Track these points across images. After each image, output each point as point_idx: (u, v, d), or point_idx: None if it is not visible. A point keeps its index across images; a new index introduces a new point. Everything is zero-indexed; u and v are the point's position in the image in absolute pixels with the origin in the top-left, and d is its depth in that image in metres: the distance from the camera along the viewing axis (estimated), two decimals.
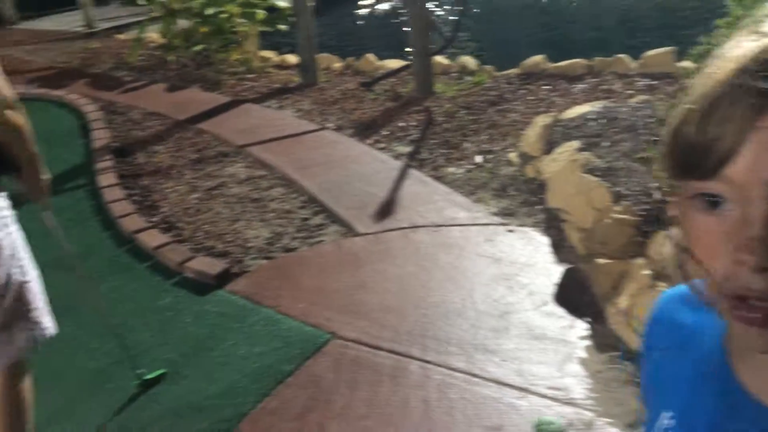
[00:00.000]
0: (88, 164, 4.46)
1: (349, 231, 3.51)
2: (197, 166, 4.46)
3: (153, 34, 7.90)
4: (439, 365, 2.44)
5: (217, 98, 5.86)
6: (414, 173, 4.12)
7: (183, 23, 7.05)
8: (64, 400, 2.36)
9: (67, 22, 9.98)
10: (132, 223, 3.58)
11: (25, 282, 1.77)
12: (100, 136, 4.90)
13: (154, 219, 3.74)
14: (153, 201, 3.98)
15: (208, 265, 3.15)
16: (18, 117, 1.67)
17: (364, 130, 4.90)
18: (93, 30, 9.21)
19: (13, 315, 1.74)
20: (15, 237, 1.75)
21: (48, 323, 1.85)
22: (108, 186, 4.03)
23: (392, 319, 2.74)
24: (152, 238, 3.42)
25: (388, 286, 3.00)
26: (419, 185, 3.96)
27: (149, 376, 2.43)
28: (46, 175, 1.86)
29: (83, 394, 2.43)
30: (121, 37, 8.99)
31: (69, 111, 5.65)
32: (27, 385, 1.83)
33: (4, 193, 1.73)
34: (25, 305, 1.77)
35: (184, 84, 6.35)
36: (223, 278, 3.09)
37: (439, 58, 6.05)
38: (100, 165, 4.36)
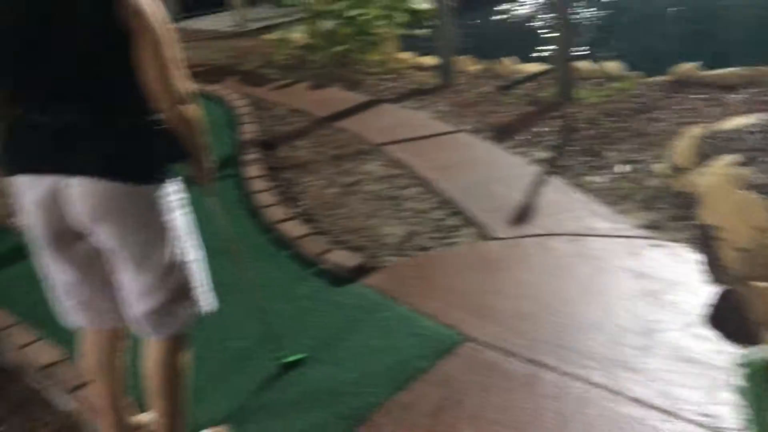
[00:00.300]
0: (236, 155, 4.71)
1: (485, 234, 3.48)
2: (336, 162, 4.59)
3: (297, 35, 8.23)
4: (577, 378, 2.37)
5: (356, 97, 6.01)
6: (552, 180, 4.02)
7: (326, 24, 7.30)
8: (209, 375, 2.50)
9: (221, 22, 10.61)
10: (275, 213, 3.75)
11: (191, 261, 1.90)
12: (248, 130, 5.17)
13: (295, 210, 3.89)
14: (294, 193, 4.14)
15: (345, 258, 3.24)
16: (193, 110, 1.78)
17: (501, 134, 4.84)
18: (243, 30, 9.73)
19: (178, 291, 1.86)
20: (185, 219, 1.88)
21: (207, 301, 1.97)
22: (254, 177, 4.24)
23: (526, 326, 2.69)
24: (293, 229, 3.56)
25: (523, 292, 2.95)
26: (558, 192, 3.87)
27: (289, 359, 2.53)
28: (211, 164, 1.97)
29: (227, 370, 2.56)
30: (268, 37, 9.42)
31: (221, 105, 6.00)
32: (186, 356, 1.96)
33: (178, 179, 1.86)
34: (189, 283, 1.89)
35: (325, 83, 6.56)
36: (359, 272, 3.16)
37: (582, 63, 5.87)
38: (248, 157, 4.59)
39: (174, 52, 1.71)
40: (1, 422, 2.39)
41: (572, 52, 5.38)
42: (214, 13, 11.44)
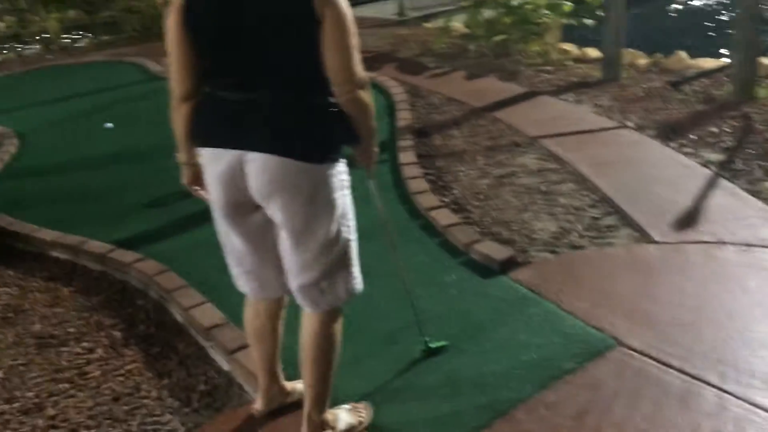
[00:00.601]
0: (391, 141, 4.80)
1: (643, 237, 3.31)
2: (489, 153, 4.54)
3: (457, 24, 8.21)
4: (739, 398, 2.19)
5: (513, 88, 5.91)
6: (724, 184, 3.74)
7: (488, 13, 7.21)
8: (354, 353, 2.57)
9: (383, 10, 10.81)
10: (426, 200, 3.78)
11: (350, 240, 1.97)
12: (404, 117, 5.24)
13: (446, 199, 3.90)
14: (446, 182, 4.15)
15: (494, 250, 3.20)
16: (367, 96, 1.85)
17: (669, 133, 4.56)
18: (404, 18, 9.87)
19: (337, 266, 1.94)
20: (348, 199, 1.95)
21: (360, 279, 2.03)
22: (407, 163, 4.30)
23: (685, 337, 2.53)
24: (443, 217, 3.58)
25: (683, 301, 2.77)
26: (729, 197, 3.59)
27: (433, 345, 2.56)
28: (376, 148, 2.03)
29: (372, 350, 2.63)
30: (428, 25, 9.48)
31: (379, 91, 6.13)
32: (339, 329, 2.04)
33: (344, 160, 1.93)
34: (347, 261, 1.97)
35: (482, 73, 6.50)
36: (507, 265, 3.12)
37: (766, 60, 5.38)
38: (402, 143, 4.66)
39: (355, 39, 1.78)
40: (169, 374, 2.62)
41: (758, 46, 4.93)
42: (378, 1, 11.68)
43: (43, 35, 11.07)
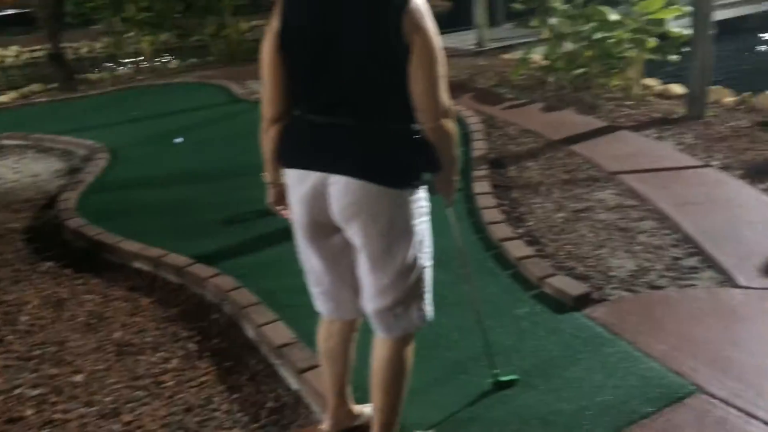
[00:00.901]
0: (466, 170, 4.79)
1: (727, 280, 3.17)
2: (566, 186, 4.47)
3: (536, 56, 8.17)
4: None
5: (591, 122, 5.82)
6: None
7: (568, 46, 7.15)
8: (423, 381, 2.55)
9: (461, 40, 10.88)
10: (500, 231, 3.74)
11: (426, 267, 1.97)
12: (479, 147, 5.24)
13: (520, 231, 3.85)
14: (520, 213, 4.11)
15: (568, 285, 3.14)
16: (451, 125, 1.87)
17: (757, 174, 4.38)
18: (482, 49, 9.89)
19: (412, 293, 1.95)
20: (426, 226, 1.97)
21: (432, 307, 2.03)
22: (482, 193, 4.28)
23: None
24: (517, 249, 3.53)
25: None
26: None
27: (503, 378, 2.51)
28: (457, 177, 2.04)
29: (441, 379, 2.61)
30: (506, 56, 9.48)
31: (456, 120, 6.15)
32: (410, 355, 2.04)
33: (425, 187, 1.95)
34: (422, 287, 1.98)
35: (560, 105, 6.44)
36: (582, 301, 3.05)
37: None
38: (477, 173, 4.65)
39: (443, 68, 1.80)
40: (240, 389, 2.67)
41: None
42: (458, 31, 11.78)
43: (136, 56, 11.65)
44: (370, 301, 1.97)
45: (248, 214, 4.25)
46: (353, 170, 1.81)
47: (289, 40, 1.83)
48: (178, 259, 3.70)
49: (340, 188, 1.83)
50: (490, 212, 4.00)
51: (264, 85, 1.94)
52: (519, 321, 2.97)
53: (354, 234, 1.89)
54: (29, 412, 2.62)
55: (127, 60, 11.83)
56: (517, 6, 7.31)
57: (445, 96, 1.82)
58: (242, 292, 3.26)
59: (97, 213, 4.59)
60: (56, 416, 2.58)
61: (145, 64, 11.49)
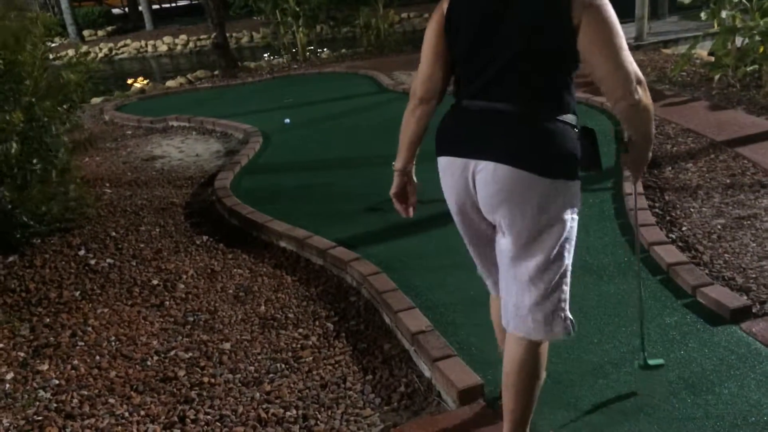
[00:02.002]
0: (617, 169, 4.58)
1: None
2: (728, 191, 4.14)
3: (701, 51, 7.64)
4: None
5: (762, 123, 5.35)
6: None
7: (738, 42, 6.61)
8: (559, 384, 2.48)
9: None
10: (650, 234, 3.53)
11: (568, 265, 1.88)
12: None
13: (673, 235, 3.62)
14: (674, 217, 3.86)
15: (725, 297, 2.90)
16: (646, 95, 1.76)
17: None
18: (641, 42, 9.37)
19: (550, 293, 1.85)
20: (575, 223, 1.89)
21: (572, 318, 1.92)
22: (632, 194, 4.06)
23: None
24: (668, 254, 3.32)
25: None
26: None
27: (651, 362, 2.46)
28: (650, 155, 1.94)
29: (576, 382, 2.51)
30: (667, 51, 8.95)
31: (606, 117, 5.89)
32: (545, 354, 1.96)
33: (580, 181, 1.86)
34: (563, 285, 1.88)
35: (726, 104, 5.98)
36: (740, 314, 2.81)
37: None
38: (628, 172, 4.41)
39: (623, 40, 1.70)
40: (373, 371, 2.72)
41: None
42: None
43: (291, 47, 12.18)
44: (511, 299, 1.91)
45: (387, 202, 4.28)
46: (507, 157, 1.76)
47: (454, 21, 1.83)
48: (321, 241, 3.83)
49: (490, 174, 1.79)
50: (641, 214, 3.78)
51: (421, 64, 1.95)
52: (668, 330, 2.79)
53: (501, 222, 1.84)
54: (181, 373, 2.82)
55: (283, 50, 12.40)
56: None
57: (634, 66, 1.71)
58: (381, 277, 3.32)
59: (249, 193, 4.85)
60: (205, 379, 2.76)
61: (300, 54, 11.98)
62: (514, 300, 1.91)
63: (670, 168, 4.62)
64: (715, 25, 7.05)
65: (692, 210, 3.94)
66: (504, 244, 1.88)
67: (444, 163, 1.93)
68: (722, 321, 2.80)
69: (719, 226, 3.70)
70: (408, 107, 2.02)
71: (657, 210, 3.96)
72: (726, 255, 3.39)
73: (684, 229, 3.71)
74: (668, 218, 3.85)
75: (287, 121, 6.94)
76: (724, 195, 4.09)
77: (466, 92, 1.87)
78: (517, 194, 1.77)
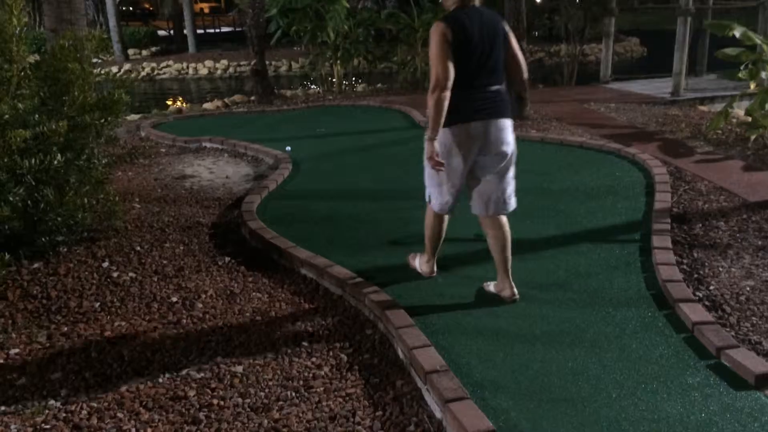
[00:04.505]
0: (645, 222, 4.52)
1: None
2: (760, 253, 4.06)
3: (738, 110, 7.58)
4: None
5: None
6: None
7: None
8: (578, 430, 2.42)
9: (654, 87, 10.38)
10: (677, 290, 3.46)
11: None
12: (663, 199, 4.91)
13: (700, 293, 3.55)
14: (702, 275, 3.79)
15: (751, 360, 2.82)
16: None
17: None
18: (677, 98, 9.34)
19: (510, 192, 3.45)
20: None
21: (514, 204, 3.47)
22: (661, 248, 3.99)
23: None
24: (694, 312, 3.24)
25: None
26: None
27: None
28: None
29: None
30: (703, 108, 8.90)
31: (638, 169, 5.85)
32: (507, 226, 3.47)
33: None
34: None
35: (761, 165, 5.90)
36: (765, 381, 2.72)
37: None
38: (657, 226, 4.36)
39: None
40: (384, 407, 2.68)
41: None
42: (650, 77, 11.26)
43: (328, 78, 12.36)
44: (493, 195, 3.42)
45: (410, 237, 4.30)
46: (506, 114, 3.34)
47: (463, 42, 3.17)
48: (341, 271, 3.81)
49: (502, 126, 3.32)
50: (668, 269, 3.72)
51: (444, 68, 3.14)
52: (689, 391, 2.71)
53: (502, 150, 3.35)
54: (191, 393, 2.81)
55: (319, 80, 12.58)
56: (725, 53, 6.77)
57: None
58: (398, 312, 3.29)
59: (275, 218, 4.88)
60: (214, 401, 2.74)
61: (336, 86, 12.14)
62: (496, 195, 3.40)
63: (700, 225, 4.55)
64: (752, 86, 7.00)
65: (721, 269, 3.86)
66: (494, 164, 3.37)
67: (468, 126, 3.26)
68: (746, 386, 2.72)
69: (748, 288, 3.62)
70: (436, 98, 3.14)
71: (685, 267, 3.89)
72: (754, 318, 3.31)
73: (711, 288, 3.64)
74: (696, 276, 3.78)
75: (288, 149, 7.02)
76: (755, 257, 4.01)
77: (479, 83, 3.26)
78: (511, 134, 3.38)
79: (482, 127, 3.25)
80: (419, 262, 3.85)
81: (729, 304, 3.46)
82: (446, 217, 3.59)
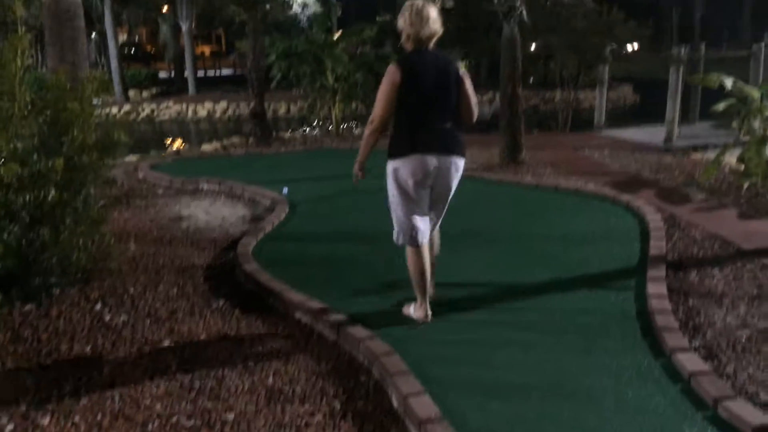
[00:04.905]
0: (640, 268, 4.53)
1: None
2: (755, 302, 4.05)
3: (730, 158, 7.65)
4: None
5: None
6: None
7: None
8: None
9: (648, 134, 10.50)
10: (673, 339, 3.45)
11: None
12: (657, 246, 4.92)
13: (696, 342, 3.53)
14: (697, 324, 3.77)
15: (748, 412, 2.79)
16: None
17: None
18: (670, 146, 9.45)
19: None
20: None
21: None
22: (656, 295, 3.99)
23: None
24: (690, 362, 3.22)
25: None
26: None
27: None
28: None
29: None
30: (696, 155, 8.98)
31: (633, 215, 5.88)
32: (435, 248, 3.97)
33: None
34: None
35: (754, 213, 5.93)
36: None
37: None
38: (652, 273, 4.36)
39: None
40: None
41: None
42: (644, 125, 11.40)
43: (326, 121, 12.48)
44: (438, 221, 3.87)
45: (409, 280, 4.28)
46: (457, 151, 3.64)
47: (411, 84, 3.52)
48: (336, 315, 3.80)
49: (451, 162, 3.62)
50: (663, 317, 3.71)
51: (381, 109, 3.57)
52: None
53: (448, 185, 3.68)
54: None
55: (317, 123, 12.70)
56: (717, 108, 6.89)
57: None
58: (393, 358, 3.26)
59: (270, 260, 4.86)
60: None
61: (334, 129, 12.25)
62: (434, 223, 3.82)
63: (695, 272, 4.56)
64: (741, 135, 7.08)
65: (716, 318, 3.85)
66: (439, 198, 3.73)
67: (418, 157, 3.55)
68: None
69: (744, 337, 3.60)
70: (369, 131, 3.66)
71: (680, 314, 3.88)
72: (751, 368, 3.29)
73: (707, 336, 3.62)
74: (691, 324, 3.77)
75: (285, 191, 7.05)
76: (750, 305, 4.01)
77: (431, 119, 3.58)
78: (457, 171, 3.69)
79: (432, 161, 3.55)
80: (413, 309, 3.84)
81: (725, 353, 3.44)
82: (425, 254, 3.73)
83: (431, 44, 3.62)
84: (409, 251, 3.73)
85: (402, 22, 3.59)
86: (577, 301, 4.06)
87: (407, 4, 3.60)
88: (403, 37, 3.63)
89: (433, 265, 3.84)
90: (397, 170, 3.61)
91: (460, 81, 3.58)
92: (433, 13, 3.58)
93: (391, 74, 3.50)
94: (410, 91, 3.51)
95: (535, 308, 3.98)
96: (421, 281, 3.74)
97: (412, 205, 3.65)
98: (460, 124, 3.65)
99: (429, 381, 3.10)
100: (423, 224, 3.69)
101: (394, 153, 3.63)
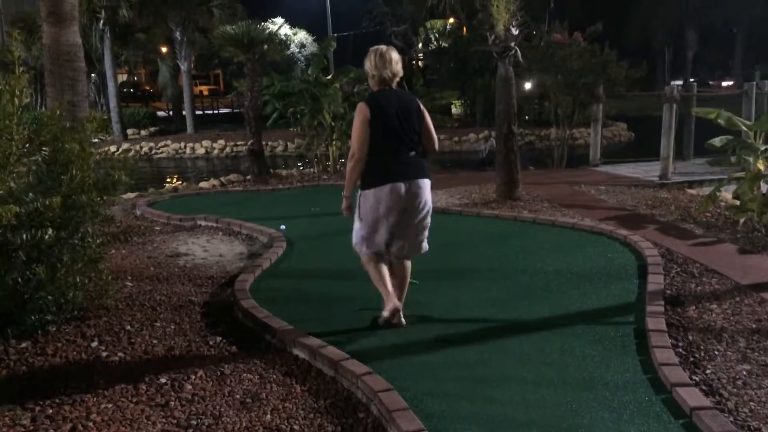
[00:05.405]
0: (639, 304, 4.52)
1: None
2: (754, 336, 4.04)
3: (726, 194, 7.71)
4: None
5: None
6: None
7: (764, 188, 6.68)
8: None
9: (643, 170, 10.59)
10: (673, 374, 3.43)
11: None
12: (655, 281, 4.93)
13: (697, 377, 3.51)
14: (697, 359, 3.76)
15: None
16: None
17: None
18: (665, 182, 9.52)
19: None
20: None
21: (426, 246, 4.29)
22: (655, 331, 3.97)
23: None
24: (692, 397, 3.20)
25: None
26: None
27: None
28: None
29: None
30: (692, 191, 9.05)
31: (630, 251, 5.89)
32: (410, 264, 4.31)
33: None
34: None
35: (752, 249, 5.95)
36: None
37: None
38: (651, 308, 4.35)
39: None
40: None
41: None
42: (639, 161, 11.49)
43: (323, 158, 12.55)
44: (409, 241, 4.20)
45: (408, 317, 4.27)
46: (423, 175, 4.09)
47: (379, 118, 3.96)
48: (334, 351, 3.77)
49: (420, 186, 4.06)
50: (663, 352, 3.69)
51: (360, 143, 4.00)
52: None
53: (420, 207, 4.09)
54: None
55: (314, 161, 12.77)
56: (712, 143, 6.98)
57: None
58: (392, 394, 3.23)
59: (268, 297, 4.85)
60: None
61: (331, 166, 12.32)
62: (411, 242, 4.19)
63: (694, 307, 4.55)
64: (734, 172, 7.16)
65: (717, 353, 3.84)
66: (415, 216, 4.11)
67: (390, 185, 3.98)
68: None
69: (745, 372, 3.58)
70: (352, 165, 4.06)
71: (680, 350, 3.86)
72: (752, 403, 3.26)
73: (708, 371, 3.60)
74: (692, 359, 3.75)
75: (282, 227, 7.08)
76: (750, 340, 3.99)
77: (398, 151, 4.03)
78: (428, 192, 4.12)
79: (403, 186, 3.99)
80: (383, 312, 4.16)
81: (726, 388, 3.42)
82: (382, 263, 4.21)
83: (394, 84, 4.07)
84: (366, 258, 4.21)
85: (368, 64, 4.05)
86: (577, 336, 4.05)
87: (372, 48, 4.07)
88: (369, 78, 4.10)
89: (405, 277, 4.30)
90: (369, 197, 4.03)
91: (421, 115, 4.05)
92: (395, 56, 4.06)
93: (361, 111, 3.96)
94: (377, 124, 3.94)
95: (534, 344, 3.96)
96: (382, 281, 4.14)
97: (377, 226, 4.09)
98: (424, 154, 4.16)
99: (428, 417, 3.08)
100: (381, 239, 4.15)
101: (368, 183, 4.04)
